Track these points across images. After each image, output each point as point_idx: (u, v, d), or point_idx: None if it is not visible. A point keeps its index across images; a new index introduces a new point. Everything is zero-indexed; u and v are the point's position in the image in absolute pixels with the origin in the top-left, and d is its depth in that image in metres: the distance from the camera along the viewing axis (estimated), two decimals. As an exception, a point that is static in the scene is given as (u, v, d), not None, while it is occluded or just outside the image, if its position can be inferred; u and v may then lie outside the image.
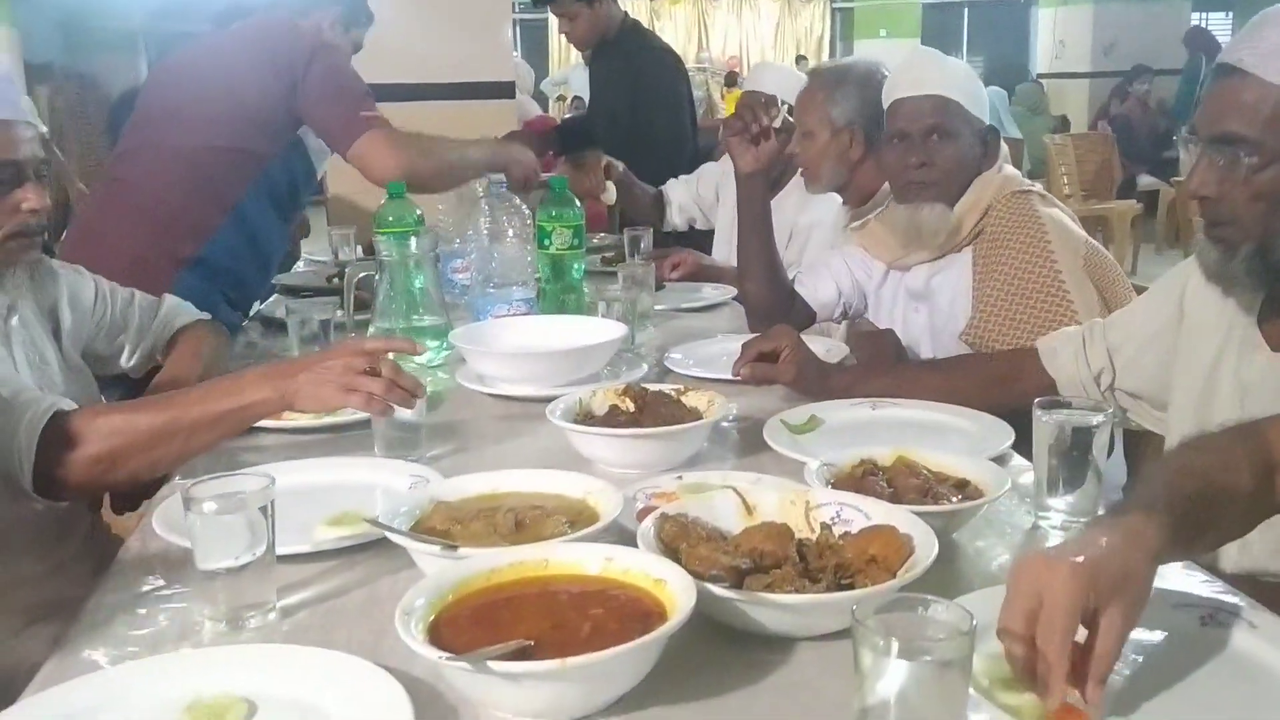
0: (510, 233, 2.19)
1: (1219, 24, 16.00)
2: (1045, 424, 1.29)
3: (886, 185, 2.21)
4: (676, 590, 0.97)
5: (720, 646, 1.01)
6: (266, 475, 1.12)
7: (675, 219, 3.36)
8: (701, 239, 3.27)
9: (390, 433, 1.53)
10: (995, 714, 0.87)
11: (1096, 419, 1.28)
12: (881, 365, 1.89)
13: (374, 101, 2.42)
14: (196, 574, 1.11)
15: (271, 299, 2.83)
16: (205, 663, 0.99)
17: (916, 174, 1.99)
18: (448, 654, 0.86)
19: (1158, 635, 1.01)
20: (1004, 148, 2.08)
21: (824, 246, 2.58)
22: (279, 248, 2.72)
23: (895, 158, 2.03)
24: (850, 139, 2.42)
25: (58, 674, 1.01)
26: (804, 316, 2.23)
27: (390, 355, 1.44)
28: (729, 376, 1.84)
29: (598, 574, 1.03)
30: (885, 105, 2.06)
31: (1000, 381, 1.73)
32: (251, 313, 2.73)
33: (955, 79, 2.01)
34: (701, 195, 3.30)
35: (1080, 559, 0.88)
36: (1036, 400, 1.31)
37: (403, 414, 1.46)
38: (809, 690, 0.96)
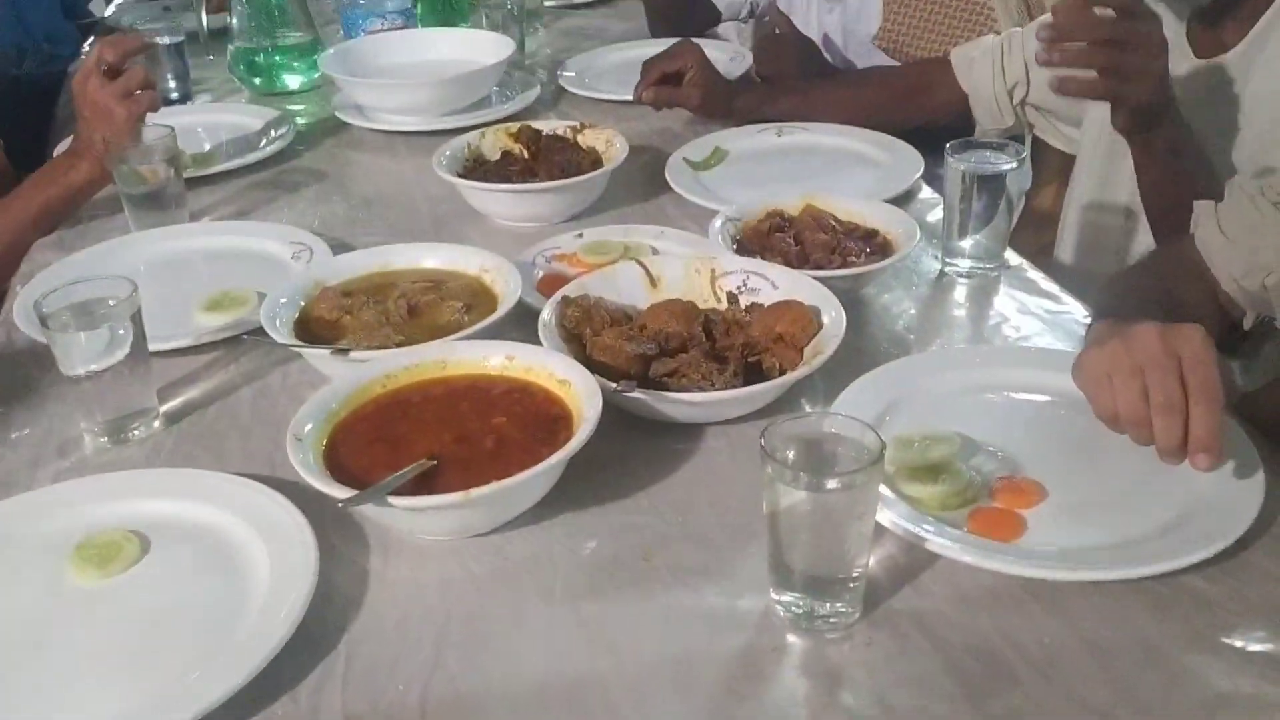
0: (377, -71, 1.94)
1: None
2: (956, 169, 1.24)
3: None
4: (582, 394, 0.93)
5: (628, 437, 0.99)
6: (129, 281, 1.02)
7: None
8: None
9: (139, 201, 1.40)
10: (900, 508, 0.88)
11: (1010, 164, 1.23)
12: (788, 83, 1.79)
13: None
14: (64, 379, 1.04)
15: (117, 2, 2.53)
16: (92, 493, 0.93)
17: None
18: (348, 493, 0.83)
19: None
20: None
21: None
22: None
23: None
24: None
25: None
26: (708, 16, 2.07)
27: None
28: (628, 98, 1.73)
29: (499, 373, 0.99)
30: None
31: (911, 95, 1.66)
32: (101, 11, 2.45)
33: None
34: None
35: (1145, 325, 0.84)
36: (949, 144, 1.25)
37: (148, 179, 1.39)
38: (719, 478, 0.96)
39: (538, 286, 1.20)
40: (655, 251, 1.25)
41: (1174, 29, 1.31)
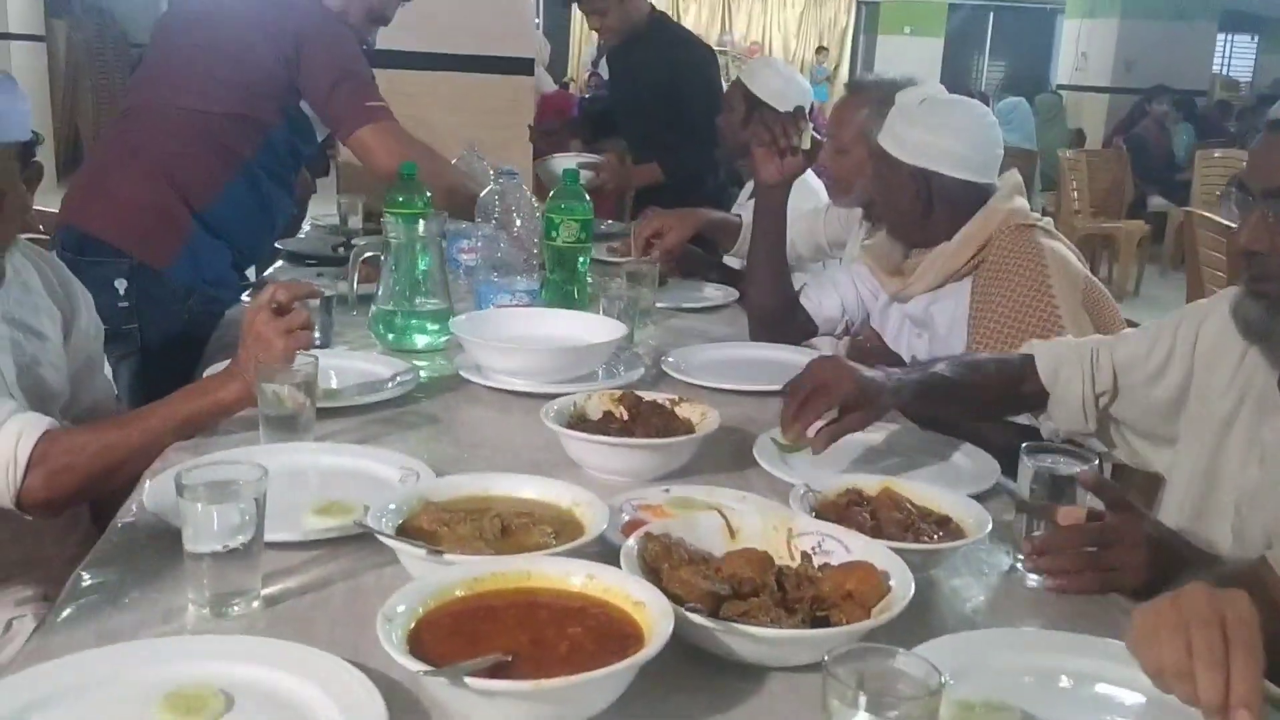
0: (518, 222, 2.19)
1: (1243, 46, 15.93)
2: (1029, 469, 1.31)
3: None
4: (655, 615, 0.98)
5: (694, 670, 1.03)
6: (260, 466, 1.13)
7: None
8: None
9: (275, 422, 1.52)
10: (957, 765, 0.88)
11: (1078, 468, 1.29)
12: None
13: (378, 88, 2.43)
14: (184, 555, 1.13)
15: (277, 265, 2.84)
16: (186, 651, 1.00)
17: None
18: (426, 667, 0.88)
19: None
20: (1015, 179, 2.08)
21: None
22: (283, 209, 2.71)
23: None
24: None
25: (41, 652, 1.03)
26: (806, 329, 2.24)
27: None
28: (724, 386, 1.86)
29: (579, 590, 1.04)
30: None
31: (1015, 385, 1.68)
32: (252, 276, 2.75)
33: (890, 120, 2.04)
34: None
35: (1193, 585, 0.91)
36: (1024, 445, 1.32)
37: (286, 403, 1.52)
38: (777, 722, 0.98)
39: (622, 530, 1.27)
40: (736, 512, 1.32)
41: (1261, 383, 1.39)
